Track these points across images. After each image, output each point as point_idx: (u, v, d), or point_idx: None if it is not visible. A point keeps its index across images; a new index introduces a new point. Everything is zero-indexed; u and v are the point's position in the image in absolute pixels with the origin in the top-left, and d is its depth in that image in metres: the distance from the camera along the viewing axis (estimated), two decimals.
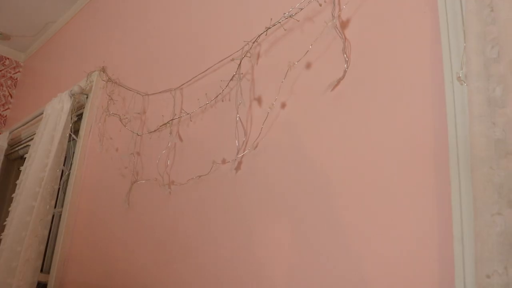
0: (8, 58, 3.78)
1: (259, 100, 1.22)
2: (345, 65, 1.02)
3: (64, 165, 2.15)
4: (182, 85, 1.54)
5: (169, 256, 1.36)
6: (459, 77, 0.74)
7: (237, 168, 1.22)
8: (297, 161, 1.07)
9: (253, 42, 1.22)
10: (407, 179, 0.84)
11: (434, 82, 0.84)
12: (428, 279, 0.75)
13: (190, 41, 1.61)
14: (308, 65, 1.12)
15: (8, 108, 3.68)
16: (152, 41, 1.89)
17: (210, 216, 1.26)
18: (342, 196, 0.94)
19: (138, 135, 1.72)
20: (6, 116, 3.66)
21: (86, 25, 2.73)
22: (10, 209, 2.20)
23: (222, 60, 1.37)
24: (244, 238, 1.13)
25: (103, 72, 2.17)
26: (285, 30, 1.19)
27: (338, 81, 1.02)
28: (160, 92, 1.65)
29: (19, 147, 3.07)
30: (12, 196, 2.27)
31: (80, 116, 2.25)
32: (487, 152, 0.61)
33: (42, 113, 2.46)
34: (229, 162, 1.25)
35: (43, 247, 2.02)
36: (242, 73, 1.28)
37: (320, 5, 1.10)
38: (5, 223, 2.18)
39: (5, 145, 2.98)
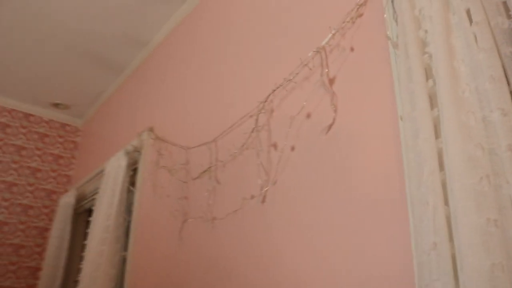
0: (69, 125, 4.31)
1: (275, 146, 1.55)
2: (334, 115, 1.34)
3: (126, 213, 2.54)
4: (215, 138, 1.89)
5: (215, 279, 1.67)
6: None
7: (263, 200, 1.54)
8: (306, 191, 1.37)
9: (265, 102, 1.56)
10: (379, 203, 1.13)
11: (391, 117, 1.14)
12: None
13: (219, 102, 1.97)
14: (308, 115, 1.44)
15: (72, 169, 4.18)
16: (189, 103, 2.27)
17: (245, 241, 1.57)
18: (340, 214, 1.23)
19: (184, 182, 2.07)
20: (70, 175, 4.16)
21: (133, 91, 3.18)
22: (84, 254, 2.60)
23: (243, 117, 1.71)
24: (272, 248, 1.43)
25: (151, 131, 2.57)
26: (286, 91, 1.52)
27: (330, 127, 1.34)
28: (199, 146, 2.01)
29: (85, 202, 3.51)
30: (84, 242, 2.67)
31: (135, 171, 2.65)
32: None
33: (102, 170, 2.89)
34: (255, 197, 1.57)
35: (113, 284, 2.38)
36: (260, 126, 1.62)
37: (310, 69, 1.43)
38: (81, 265, 2.56)
39: (72, 201, 3.43)
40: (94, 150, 3.74)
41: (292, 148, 1.47)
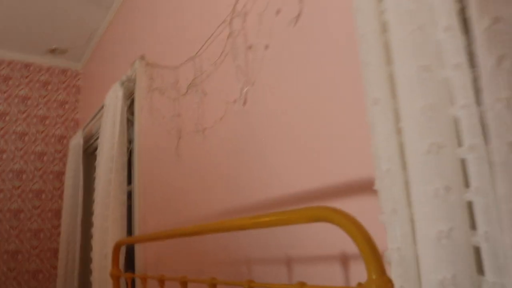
0: (69, 69, 4.36)
1: (250, 48, 1.57)
2: (300, 6, 1.34)
3: (128, 142, 2.62)
4: (197, 52, 1.91)
5: (210, 184, 1.76)
6: None
7: (244, 103, 1.58)
8: (281, 86, 1.41)
9: (234, 6, 1.57)
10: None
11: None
12: None
13: (196, 17, 1.98)
14: (278, 11, 1.45)
15: (77, 112, 4.28)
16: (172, 25, 2.28)
17: (232, 143, 1.63)
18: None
19: (175, 99, 2.12)
20: (77, 119, 4.26)
21: (123, 24, 3.17)
22: (95, 185, 2.73)
23: (219, 25, 1.72)
24: (256, 148, 1.50)
25: (143, 59, 2.59)
26: None
27: (297, 18, 1.35)
28: (184, 62, 2.04)
29: (93, 141, 3.62)
30: (94, 175, 2.80)
31: (132, 101, 2.71)
32: None
33: (103, 106, 2.95)
34: (237, 100, 1.61)
35: (124, 209, 2.51)
36: (235, 30, 1.63)
37: None
38: (94, 197, 2.70)
39: (81, 141, 3.54)
40: (95, 91, 3.80)
41: (266, 47, 1.49)
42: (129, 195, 2.62)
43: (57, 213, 3.93)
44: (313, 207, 0.80)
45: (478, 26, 0.72)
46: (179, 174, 2.04)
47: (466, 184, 0.75)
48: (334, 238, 1.15)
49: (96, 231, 2.57)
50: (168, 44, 2.32)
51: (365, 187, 1.06)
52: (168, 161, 2.16)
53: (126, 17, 3.11)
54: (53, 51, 4.11)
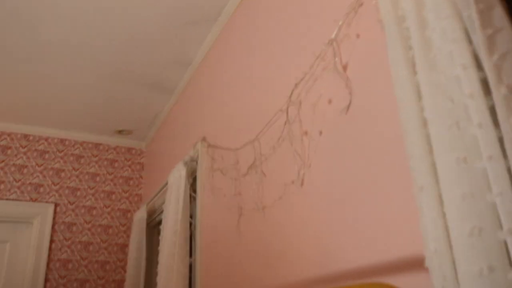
0: (134, 148, 4.72)
1: (306, 133, 1.73)
2: (350, 97, 1.50)
3: (191, 217, 2.80)
4: (256, 136, 2.10)
5: (272, 260, 1.86)
6: None
7: (301, 184, 1.72)
8: (335, 169, 1.54)
9: (290, 96, 1.75)
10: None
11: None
12: None
13: (255, 104, 2.19)
14: (329, 101, 1.61)
15: (141, 188, 4.57)
16: (232, 109, 2.51)
17: (290, 221, 1.75)
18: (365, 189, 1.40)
19: (236, 179, 2.29)
20: (141, 194, 4.54)
21: (185, 108, 3.47)
22: (158, 259, 2.89)
23: (276, 113, 1.92)
24: (314, 226, 1.61)
25: (204, 141, 2.83)
26: (307, 83, 1.71)
27: (348, 107, 1.50)
28: (244, 145, 2.23)
29: (155, 215, 3.84)
30: (158, 248, 2.96)
31: (194, 179, 2.92)
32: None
33: (166, 183, 3.18)
34: (295, 181, 1.75)
35: (186, 282, 2.64)
36: (291, 118, 1.81)
37: (324, 60, 1.61)
38: (157, 269, 2.85)
39: (145, 215, 3.76)
40: (158, 168, 4.08)
41: (320, 133, 1.65)
42: (190, 268, 2.75)
43: (120, 284, 4.10)
44: (370, 283, 0.90)
45: (506, 123, 0.83)
46: (240, 249, 2.16)
47: (511, 263, 0.83)
48: None
49: None
50: (227, 127, 2.54)
51: (418, 264, 1.14)
52: (229, 236, 2.30)
53: (188, 101, 3.42)
54: (120, 132, 4.50)
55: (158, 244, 3.55)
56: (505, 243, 0.83)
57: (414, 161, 0.97)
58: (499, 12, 0.94)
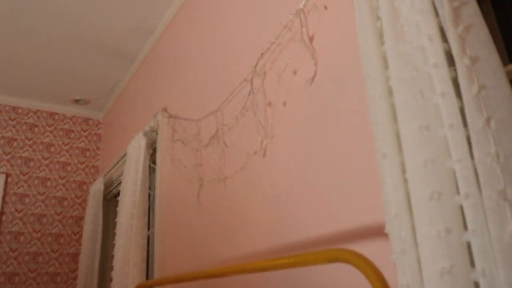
0: (91, 119, 4.58)
1: (269, 104, 1.73)
2: (315, 68, 1.51)
3: (150, 189, 2.77)
4: (219, 106, 2.08)
5: (232, 230, 1.87)
6: None
7: (264, 154, 1.73)
8: (299, 140, 1.55)
9: (255, 66, 1.74)
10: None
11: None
12: None
13: (219, 73, 2.16)
14: (295, 72, 1.61)
15: (98, 159, 4.46)
16: (194, 79, 2.47)
17: (251, 191, 1.77)
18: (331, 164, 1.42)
19: (197, 150, 2.27)
20: (97, 166, 4.44)
21: (146, 77, 3.39)
22: (116, 230, 2.85)
23: (240, 83, 1.90)
24: (275, 196, 1.63)
25: (165, 111, 2.78)
26: (273, 53, 1.70)
27: (312, 79, 1.51)
28: (206, 116, 2.21)
29: (112, 187, 3.77)
30: (115, 220, 2.92)
31: (154, 150, 2.88)
32: None
33: (125, 154, 3.12)
34: (257, 152, 1.76)
35: (144, 253, 2.62)
36: (255, 88, 1.80)
37: (291, 30, 1.60)
38: (114, 241, 2.82)
39: (101, 187, 3.69)
40: (116, 139, 3.99)
41: (284, 103, 1.65)
42: (148, 240, 2.73)
43: (75, 257, 4.03)
44: (331, 249, 0.92)
45: (468, 93, 0.86)
46: (200, 221, 2.16)
47: (465, 227, 0.87)
48: (349, 278, 1.26)
49: (116, 274, 2.67)
50: (190, 97, 2.50)
51: (377, 231, 1.18)
52: (189, 207, 2.29)
53: (149, 70, 3.34)
54: (77, 101, 4.35)
55: (114, 216, 3.51)
56: (461, 207, 0.87)
57: (378, 129, 0.99)
58: None
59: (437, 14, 0.98)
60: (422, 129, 0.90)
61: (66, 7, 2.94)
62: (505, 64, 1.20)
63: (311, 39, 1.55)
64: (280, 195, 1.61)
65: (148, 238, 2.73)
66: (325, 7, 1.52)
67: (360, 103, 1.32)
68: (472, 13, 0.94)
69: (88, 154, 4.44)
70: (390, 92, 1.00)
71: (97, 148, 4.52)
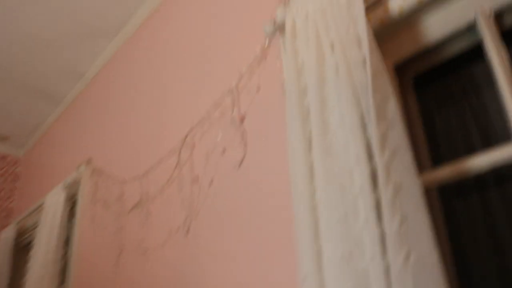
0: (9, 155, 4.25)
1: (196, 179, 1.66)
2: (244, 151, 1.46)
3: (65, 246, 2.56)
4: (145, 172, 1.98)
5: None
6: None
7: (187, 232, 1.64)
8: (223, 222, 1.48)
9: (185, 139, 1.68)
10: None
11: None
12: None
13: (149, 136, 2.07)
14: (224, 150, 1.56)
15: (12, 201, 4.12)
16: (123, 135, 2.35)
17: (174, 271, 1.66)
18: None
19: (119, 214, 2.14)
20: (12, 207, 4.09)
21: (73, 121, 3.21)
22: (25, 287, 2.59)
23: (168, 153, 1.82)
24: (196, 276, 1.53)
25: (89, 163, 2.61)
26: (203, 129, 1.65)
27: (241, 162, 1.46)
28: (131, 180, 2.09)
29: (26, 236, 3.47)
30: (24, 278, 2.67)
31: (74, 203, 2.68)
32: None
33: (42, 204, 2.89)
34: (180, 229, 1.67)
35: None
36: (183, 160, 1.72)
37: (221, 109, 1.56)
38: None
39: (12, 235, 3.38)
40: (36, 181, 3.71)
41: (211, 182, 1.58)
42: None
43: None
44: None
45: (390, 225, 0.84)
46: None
47: None
48: None
49: None
50: (117, 153, 2.37)
51: None
52: (106, 276, 2.12)
53: (76, 115, 3.16)
54: None
55: (23, 269, 3.20)
56: None
57: (301, 247, 0.95)
58: (393, 105, 0.96)
59: (365, 129, 0.97)
60: (344, 258, 0.87)
61: None
62: (427, 167, 1.22)
63: (242, 119, 1.52)
64: (200, 277, 1.52)
65: None
66: (258, 89, 1.49)
67: (286, 193, 1.29)
68: (398, 135, 0.93)
69: (2, 194, 4.10)
70: (315, 208, 0.97)
71: (13, 188, 4.18)
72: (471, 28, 1.19)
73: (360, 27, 1.02)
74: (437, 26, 1.22)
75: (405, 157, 0.91)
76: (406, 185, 0.88)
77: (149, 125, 2.10)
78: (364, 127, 0.96)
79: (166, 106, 2.00)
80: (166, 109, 1.99)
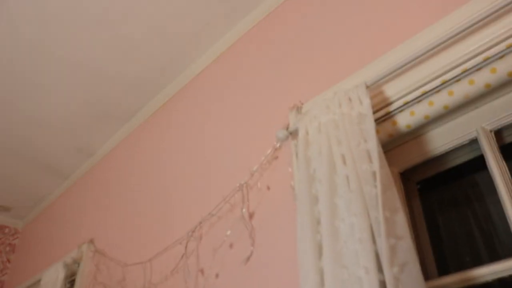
0: (8, 227, 4.23)
1: (202, 272, 1.67)
2: (252, 247, 1.49)
3: None
4: (150, 259, 1.99)
5: None
6: None
7: None
8: None
9: (193, 232, 1.71)
10: None
11: None
12: None
13: (155, 223, 2.10)
14: (231, 245, 1.59)
15: (5, 273, 4.03)
16: (129, 218, 2.38)
17: None
18: None
19: None
20: (4, 281, 4.00)
21: (77, 199, 3.24)
22: None
23: (174, 242, 1.85)
24: None
25: (91, 243, 2.62)
26: (211, 223, 1.69)
27: (248, 258, 1.49)
28: (135, 264, 2.09)
29: None
30: None
31: (72, 282, 2.64)
32: None
33: (39, 281, 2.84)
34: None
35: None
36: (189, 252, 1.74)
37: (231, 204, 1.61)
38: None
39: None
40: (32, 256, 3.66)
41: (217, 276, 1.60)
42: None
43: None
44: None
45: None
46: None
47: None
48: None
49: None
50: (121, 235, 2.39)
51: None
52: None
53: (82, 193, 3.20)
54: None
55: None
56: None
57: None
58: (401, 218, 1.01)
59: (374, 240, 1.02)
60: None
61: (6, 118, 2.84)
62: (433, 277, 1.25)
63: (251, 216, 1.56)
64: None
65: None
66: (268, 188, 1.55)
67: None
68: (407, 249, 0.98)
69: None
70: None
71: (8, 260, 4.11)
72: (473, 142, 1.27)
73: (370, 143, 1.10)
74: (441, 139, 1.31)
75: (414, 270, 0.95)
76: None
77: (155, 212, 2.14)
78: (373, 238, 1.00)
79: (174, 195, 2.05)
80: (173, 198, 2.04)
